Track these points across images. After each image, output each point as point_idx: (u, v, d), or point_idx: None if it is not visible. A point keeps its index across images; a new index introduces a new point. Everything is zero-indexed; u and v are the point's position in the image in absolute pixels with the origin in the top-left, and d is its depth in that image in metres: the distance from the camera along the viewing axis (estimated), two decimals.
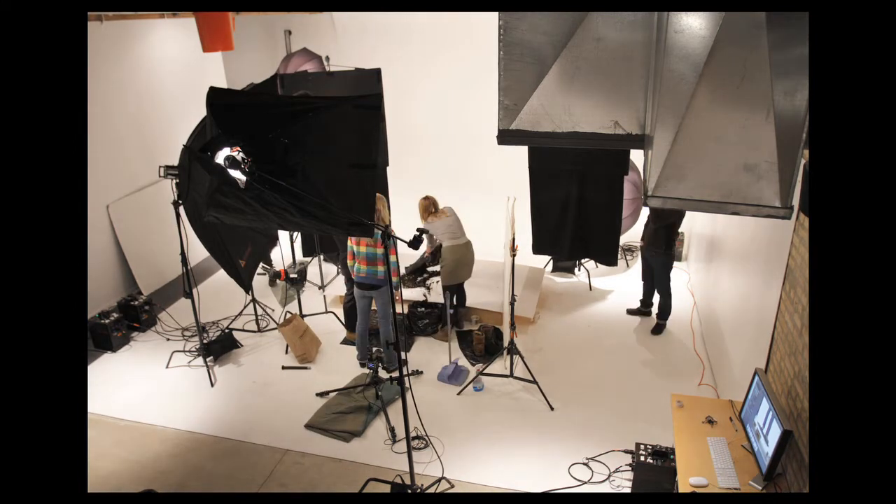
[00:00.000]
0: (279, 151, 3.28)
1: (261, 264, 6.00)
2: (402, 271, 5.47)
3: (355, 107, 3.51)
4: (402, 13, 8.16)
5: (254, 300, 6.21)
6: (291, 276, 5.86)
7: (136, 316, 6.20)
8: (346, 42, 8.99)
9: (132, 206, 6.89)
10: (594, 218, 5.46)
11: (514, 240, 5.06)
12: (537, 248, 5.85)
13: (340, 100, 4.18)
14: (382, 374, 4.94)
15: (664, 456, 3.76)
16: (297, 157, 3.30)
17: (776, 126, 2.09)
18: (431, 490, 4.11)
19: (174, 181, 5.06)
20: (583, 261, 7.22)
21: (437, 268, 5.36)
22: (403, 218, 6.73)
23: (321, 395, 5.15)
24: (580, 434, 4.61)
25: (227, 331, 6.00)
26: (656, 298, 6.07)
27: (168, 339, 6.13)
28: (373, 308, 5.34)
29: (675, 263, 7.47)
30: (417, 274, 5.52)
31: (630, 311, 6.38)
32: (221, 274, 6.71)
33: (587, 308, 6.61)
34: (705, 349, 5.67)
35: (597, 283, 7.07)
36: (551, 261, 7.31)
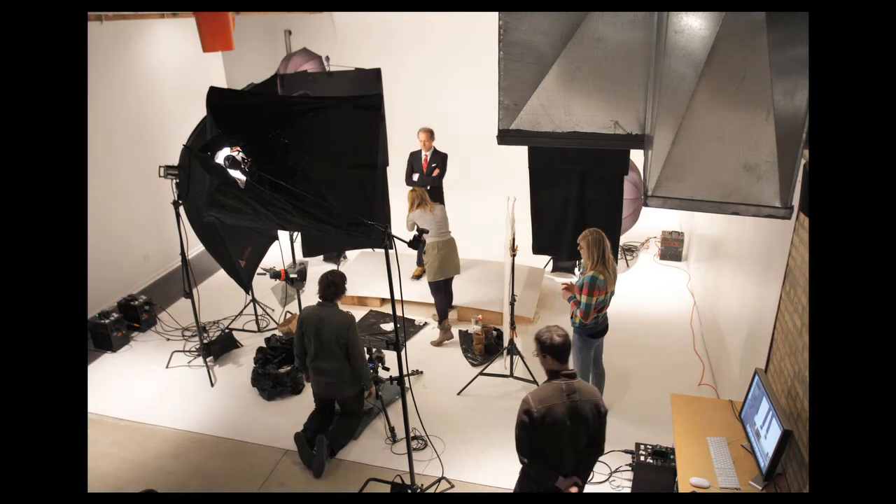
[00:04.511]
0: (279, 151, 3.28)
1: (260, 265, 6.00)
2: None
3: (356, 107, 3.52)
4: (402, 13, 8.16)
5: (254, 300, 6.21)
6: (291, 276, 5.85)
7: (136, 316, 6.20)
8: (346, 42, 9.00)
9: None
10: (594, 218, 5.45)
11: (514, 240, 5.06)
12: (537, 248, 5.85)
13: (341, 100, 4.18)
14: (382, 374, 4.93)
15: (664, 456, 3.76)
16: (297, 157, 3.30)
17: (776, 126, 2.09)
18: (431, 490, 4.12)
19: (174, 181, 5.06)
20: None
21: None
22: (403, 218, 6.73)
23: None
24: None
25: (227, 331, 6.00)
26: None
27: (168, 339, 6.12)
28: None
29: (676, 263, 7.50)
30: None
31: None
32: (221, 274, 6.71)
33: None
34: (705, 349, 5.67)
35: None
36: (551, 261, 7.31)
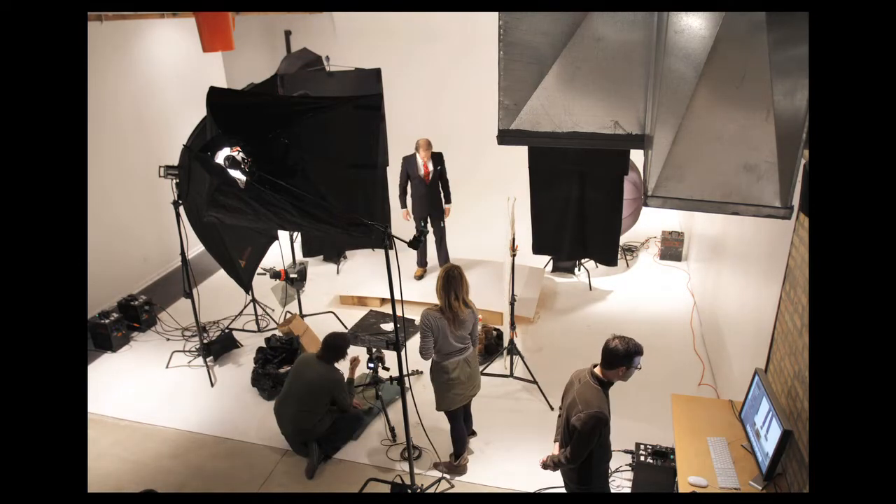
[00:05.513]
0: (279, 151, 3.28)
1: (260, 265, 6.00)
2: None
3: (356, 107, 3.52)
4: (401, 13, 8.16)
5: (254, 300, 6.21)
6: (291, 276, 5.85)
7: (136, 316, 6.20)
8: (346, 42, 8.99)
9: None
10: (594, 218, 5.46)
11: (514, 240, 5.06)
12: (537, 248, 5.84)
13: (341, 100, 4.19)
14: (382, 374, 4.92)
15: (664, 456, 3.76)
16: (297, 157, 3.31)
17: (776, 126, 2.09)
18: (431, 490, 4.12)
19: (174, 181, 5.06)
20: (583, 261, 7.22)
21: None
22: (402, 217, 6.73)
23: None
24: None
25: (227, 331, 6.00)
26: None
27: (168, 339, 6.12)
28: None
29: (676, 263, 7.50)
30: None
31: None
32: (221, 274, 6.71)
33: (587, 308, 6.60)
34: (705, 349, 5.66)
35: (597, 283, 7.07)
36: (551, 261, 7.31)
